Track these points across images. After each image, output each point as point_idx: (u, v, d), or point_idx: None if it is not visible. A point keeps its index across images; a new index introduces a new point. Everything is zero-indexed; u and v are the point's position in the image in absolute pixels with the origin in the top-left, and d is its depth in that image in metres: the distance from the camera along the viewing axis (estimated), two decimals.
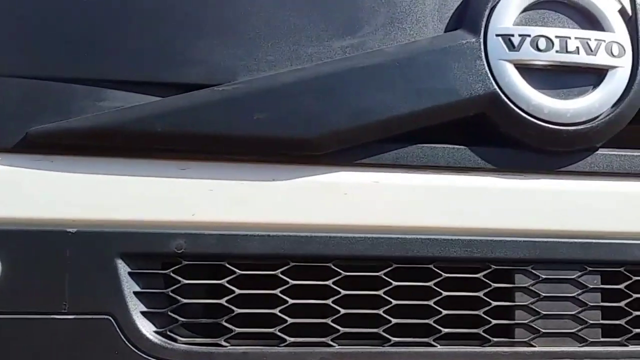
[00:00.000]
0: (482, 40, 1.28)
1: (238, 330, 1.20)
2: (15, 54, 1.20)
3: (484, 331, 1.27)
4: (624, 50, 1.32)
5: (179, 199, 1.19)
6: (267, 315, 1.21)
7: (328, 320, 1.22)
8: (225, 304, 1.19)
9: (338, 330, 1.22)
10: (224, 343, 1.19)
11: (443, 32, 1.30)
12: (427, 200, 1.27)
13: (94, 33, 1.21)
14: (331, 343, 1.22)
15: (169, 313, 1.18)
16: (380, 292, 1.24)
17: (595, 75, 1.31)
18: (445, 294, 1.26)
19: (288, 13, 1.26)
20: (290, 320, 1.21)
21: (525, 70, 1.28)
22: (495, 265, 1.28)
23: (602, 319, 1.32)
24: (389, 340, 1.24)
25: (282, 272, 1.22)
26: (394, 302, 1.24)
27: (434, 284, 1.26)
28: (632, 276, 1.33)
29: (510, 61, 1.28)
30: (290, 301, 1.21)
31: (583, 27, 1.32)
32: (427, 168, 1.28)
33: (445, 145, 1.29)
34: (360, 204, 1.25)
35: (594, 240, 1.31)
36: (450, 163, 1.28)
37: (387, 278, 1.25)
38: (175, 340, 1.18)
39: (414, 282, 1.26)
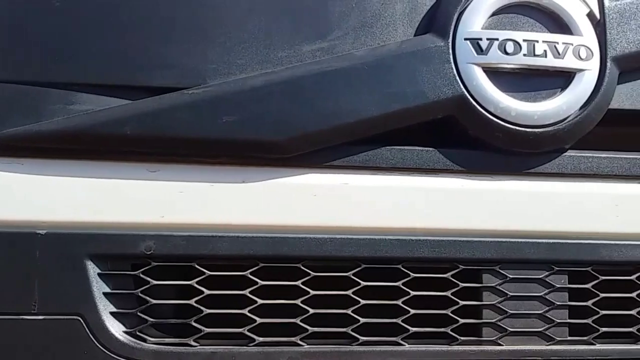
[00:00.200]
0: (450, 44, 1.29)
1: (207, 330, 1.21)
2: None
3: (452, 330, 1.29)
4: (592, 53, 1.34)
5: (149, 201, 1.20)
6: (237, 316, 1.23)
7: (297, 320, 1.24)
8: (195, 305, 1.21)
9: (307, 330, 1.24)
10: (193, 343, 1.21)
11: (413, 36, 1.31)
12: (396, 202, 1.29)
13: (64, 36, 1.22)
14: (300, 342, 1.24)
15: (139, 313, 1.20)
16: (349, 292, 1.26)
17: (563, 78, 1.33)
18: (413, 293, 1.28)
19: (258, 17, 1.27)
20: (259, 320, 1.23)
21: (493, 73, 1.30)
22: (463, 265, 1.30)
23: (569, 318, 1.33)
24: (358, 339, 1.26)
25: (251, 273, 1.23)
26: (363, 301, 1.26)
27: (403, 284, 1.28)
28: (599, 276, 1.34)
29: (478, 65, 1.30)
30: (260, 301, 1.23)
31: (551, 31, 1.33)
32: (396, 170, 1.29)
33: (414, 148, 1.30)
34: (330, 206, 1.26)
35: (561, 241, 1.33)
36: (419, 165, 1.30)
37: (356, 278, 1.26)
38: (144, 341, 1.20)
39: (383, 282, 1.27)
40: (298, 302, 1.24)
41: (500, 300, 1.30)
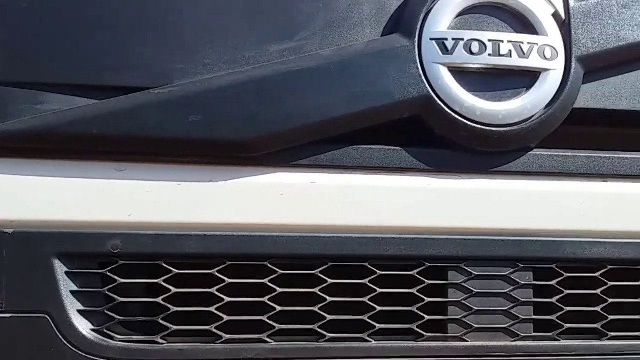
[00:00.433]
0: (416, 44, 1.30)
1: (175, 327, 1.22)
2: None
3: (417, 327, 1.30)
4: (557, 53, 1.35)
5: (116, 200, 1.21)
6: (204, 313, 1.24)
7: (264, 317, 1.25)
8: (162, 303, 1.22)
9: (274, 327, 1.25)
10: (160, 340, 1.22)
11: (380, 36, 1.32)
12: (362, 200, 1.30)
13: (30, 36, 1.22)
14: (267, 340, 1.25)
15: (106, 311, 1.21)
16: (316, 290, 1.27)
17: (528, 77, 1.34)
18: (379, 290, 1.29)
19: (225, 17, 1.28)
20: (226, 318, 1.24)
21: (459, 73, 1.31)
22: (428, 262, 1.31)
23: (534, 315, 1.35)
24: (325, 336, 1.27)
25: (218, 271, 1.24)
26: (330, 299, 1.27)
27: (369, 281, 1.29)
28: (563, 273, 1.36)
29: (444, 64, 1.31)
30: (227, 299, 1.24)
31: (517, 31, 1.35)
32: (363, 169, 1.31)
33: (381, 147, 1.31)
34: (297, 204, 1.28)
35: (526, 238, 1.34)
36: (386, 164, 1.31)
37: (322, 276, 1.28)
38: (112, 338, 1.21)
39: (349, 280, 1.29)
40: (265, 299, 1.25)
41: (466, 297, 1.32)
